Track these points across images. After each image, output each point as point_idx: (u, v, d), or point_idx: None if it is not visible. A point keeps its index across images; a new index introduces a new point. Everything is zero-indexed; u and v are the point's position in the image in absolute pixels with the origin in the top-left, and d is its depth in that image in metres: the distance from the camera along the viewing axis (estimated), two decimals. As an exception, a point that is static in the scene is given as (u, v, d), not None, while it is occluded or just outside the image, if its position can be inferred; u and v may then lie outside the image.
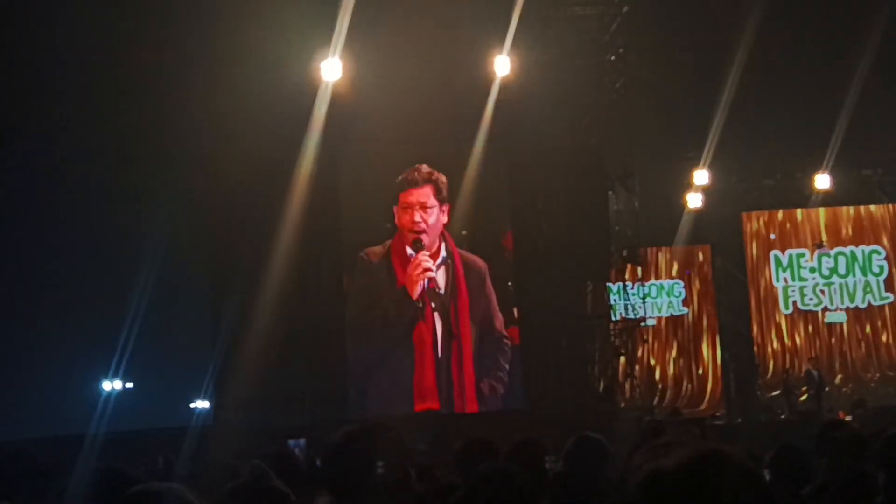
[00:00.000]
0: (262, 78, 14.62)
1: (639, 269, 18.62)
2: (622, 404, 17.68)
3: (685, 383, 21.37)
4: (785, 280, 21.52)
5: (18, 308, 17.66)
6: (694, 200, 20.21)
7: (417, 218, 14.78)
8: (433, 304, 14.88)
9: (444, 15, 14.77)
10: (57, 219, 16.99)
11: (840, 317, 21.41)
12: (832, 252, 21.56)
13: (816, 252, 21.48)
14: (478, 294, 15.26)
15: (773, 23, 17.18)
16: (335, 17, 14.64)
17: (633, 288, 18.36)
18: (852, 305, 21.43)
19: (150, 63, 14.89)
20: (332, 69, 15.07)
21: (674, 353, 21.56)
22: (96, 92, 15.23)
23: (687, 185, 19.93)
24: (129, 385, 21.86)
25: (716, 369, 21.35)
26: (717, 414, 20.19)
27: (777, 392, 20.57)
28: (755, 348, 21.20)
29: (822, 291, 21.49)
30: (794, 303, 21.44)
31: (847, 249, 21.60)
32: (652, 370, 21.19)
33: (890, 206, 21.64)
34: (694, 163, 19.42)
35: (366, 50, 15.00)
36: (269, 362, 14.36)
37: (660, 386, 21.30)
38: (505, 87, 15.61)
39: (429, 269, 14.65)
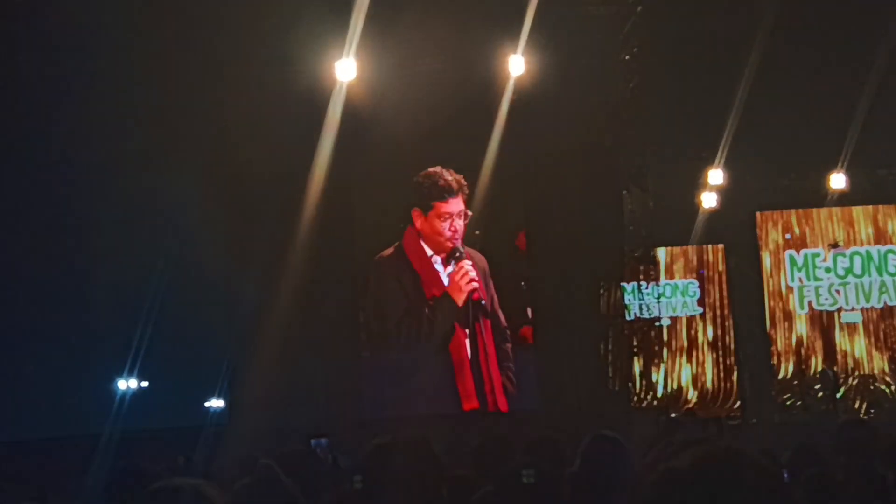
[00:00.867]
0: (275, 78, 14.66)
1: (653, 269, 18.60)
2: (637, 404, 17.64)
3: (700, 383, 21.34)
4: (800, 280, 21.45)
5: (33, 307, 17.75)
6: (708, 200, 20.17)
7: (455, 226, 14.81)
8: (473, 312, 15.02)
9: (457, 15, 14.77)
10: (72, 218, 17.07)
11: (856, 317, 21.32)
12: (848, 252, 21.48)
13: (832, 252, 21.40)
14: (488, 291, 15.32)
15: (788, 21, 17.12)
16: (349, 17, 14.66)
17: (647, 288, 18.34)
18: (868, 305, 21.35)
19: (159, 63, 14.93)
20: (346, 69, 15.10)
21: (688, 353, 21.53)
22: (110, 92, 15.28)
23: (701, 185, 19.89)
24: (145, 384, 21.94)
25: (730, 369, 21.31)
26: (732, 414, 20.15)
27: (792, 392, 20.52)
28: (770, 348, 21.14)
29: (838, 291, 21.41)
30: (810, 303, 21.37)
31: (863, 249, 21.52)
32: (666, 370, 21.17)
33: (906, 205, 21.57)
34: (708, 162, 19.38)
35: (380, 50, 15.02)
36: (284, 361, 14.41)
37: (674, 386, 21.28)
38: (519, 86, 15.61)
39: (474, 280, 14.76)
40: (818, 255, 21.53)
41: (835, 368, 20.24)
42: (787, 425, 17.76)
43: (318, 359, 15.16)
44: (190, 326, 18.15)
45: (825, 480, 4.47)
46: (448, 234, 14.73)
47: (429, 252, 14.98)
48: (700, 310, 21.64)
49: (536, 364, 15.78)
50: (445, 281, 14.94)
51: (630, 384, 17.17)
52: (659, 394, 20.76)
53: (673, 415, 18.76)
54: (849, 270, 21.48)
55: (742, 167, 19.70)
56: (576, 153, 15.91)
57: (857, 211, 21.55)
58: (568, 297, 16.06)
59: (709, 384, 21.31)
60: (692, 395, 21.18)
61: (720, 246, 21.63)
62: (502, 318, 15.42)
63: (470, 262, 14.77)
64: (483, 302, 14.78)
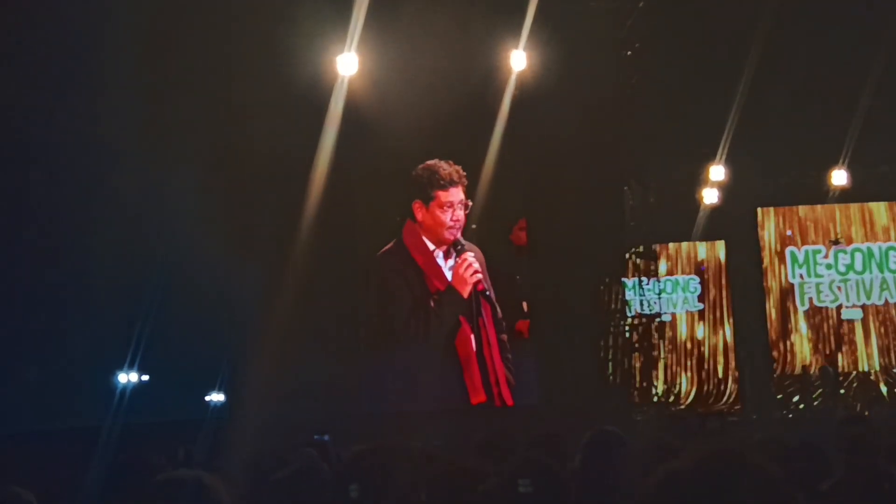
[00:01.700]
0: (276, 72, 14.65)
1: (654, 265, 18.62)
2: (637, 400, 17.65)
3: (700, 380, 21.35)
4: (801, 276, 21.46)
5: (33, 300, 17.75)
6: (710, 196, 20.17)
7: (457, 216, 14.80)
8: (477, 303, 15.01)
9: (459, 9, 14.76)
10: (71, 212, 17.05)
11: (856, 313, 21.33)
12: (849, 248, 21.49)
13: (833, 248, 21.41)
14: (487, 284, 15.36)
15: (790, 17, 17.11)
16: (350, 11, 14.66)
17: (648, 283, 18.36)
18: (868, 302, 21.36)
19: (159, 57, 14.91)
20: (348, 63, 15.10)
21: (688, 348, 21.54)
22: (108, 86, 15.26)
23: (703, 181, 19.89)
24: (145, 377, 21.95)
25: (731, 366, 21.32)
26: (732, 411, 20.18)
27: (793, 389, 20.54)
28: (770, 345, 21.15)
29: (839, 288, 21.42)
30: (810, 299, 21.38)
31: (864, 246, 21.52)
32: (667, 366, 21.18)
33: (907, 202, 21.57)
34: (710, 158, 19.38)
35: (382, 44, 15.02)
36: (285, 355, 14.42)
37: (675, 382, 21.30)
38: (521, 81, 15.61)
39: (478, 271, 14.76)
40: (819, 251, 21.54)
41: (835, 366, 20.25)
42: (788, 421, 17.77)
43: (319, 353, 15.17)
44: (191, 320, 18.14)
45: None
46: (450, 223, 14.71)
47: (430, 246, 14.98)
48: (701, 306, 21.65)
49: (536, 358, 15.80)
50: (448, 275, 14.94)
51: (630, 380, 17.17)
52: (659, 390, 20.78)
53: (674, 411, 18.80)
54: (850, 267, 21.49)
55: (743, 163, 19.69)
56: (577, 148, 15.89)
57: (859, 207, 21.55)
58: (568, 293, 16.07)
59: (709, 380, 21.33)
60: (692, 391, 21.19)
61: (721, 242, 21.63)
62: (499, 310, 15.44)
63: (472, 254, 14.80)
64: (488, 292, 14.80)
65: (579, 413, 11.53)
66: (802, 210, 21.54)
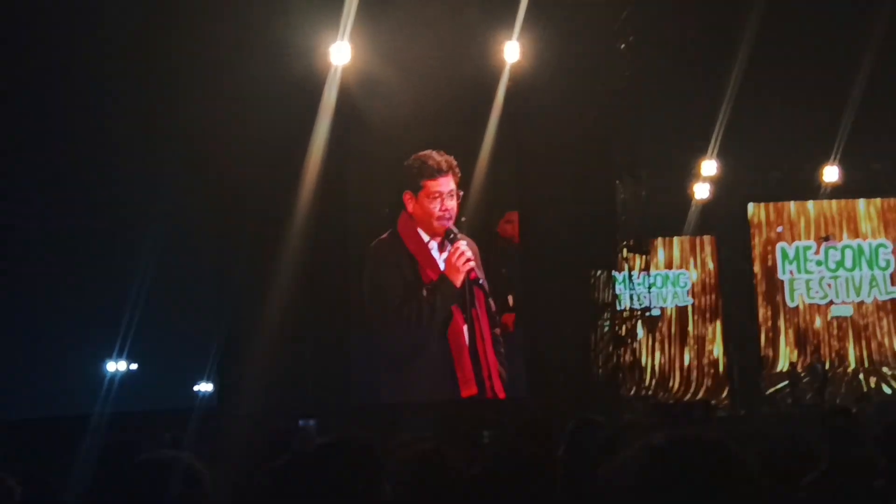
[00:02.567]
0: (270, 62, 14.60)
1: (645, 259, 18.64)
2: (626, 392, 17.67)
3: (689, 374, 21.39)
4: (791, 272, 21.50)
5: (23, 289, 17.71)
6: (701, 191, 20.19)
7: (447, 206, 14.80)
8: (470, 292, 15.02)
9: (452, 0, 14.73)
10: (61, 201, 17.01)
11: (846, 310, 21.39)
12: (839, 245, 21.53)
13: (823, 245, 21.45)
14: (481, 273, 15.34)
15: (782, 13, 17.12)
16: (343, 1, 14.64)
17: (638, 277, 18.37)
18: (858, 299, 21.41)
19: (155, 49, 14.88)
20: (341, 53, 15.07)
21: (678, 343, 21.57)
22: (102, 76, 15.21)
23: (694, 175, 19.90)
24: (134, 366, 21.93)
25: (720, 361, 21.36)
26: (721, 405, 20.21)
27: (782, 384, 20.58)
28: (760, 340, 21.18)
29: (829, 285, 21.46)
30: (800, 295, 21.42)
31: (854, 243, 21.57)
32: (656, 360, 21.21)
33: (898, 199, 21.62)
34: (702, 153, 19.39)
35: (375, 34, 14.99)
36: (274, 346, 14.39)
37: (664, 376, 21.33)
38: (515, 73, 15.59)
39: (471, 259, 14.75)
40: (810, 247, 21.57)
41: (824, 362, 20.30)
42: (775, 417, 17.79)
43: (310, 343, 15.15)
44: (179, 310, 18.14)
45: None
46: (438, 213, 14.71)
47: (425, 237, 14.97)
48: (691, 300, 21.68)
49: (525, 351, 15.80)
50: (441, 265, 14.94)
51: (619, 373, 17.19)
52: (648, 383, 20.81)
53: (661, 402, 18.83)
54: (840, 264, 21.54)
55: (735, 158, 19.70)
56: (570, 141, 15.87)
57: (850, 204, 21.59)
58: (560, 285, 16.07)
59: (698, 375, 21.36)
60: (681, 385, 21.23)
61: (712, 237, 21.63)
62: (492, 303, 15.43)
63: (465, 242, 14.78)
64: (481, 281, 14.78)
65: (567, 405, 11.52)
66: (794, 206, 21.58)
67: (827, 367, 20.14)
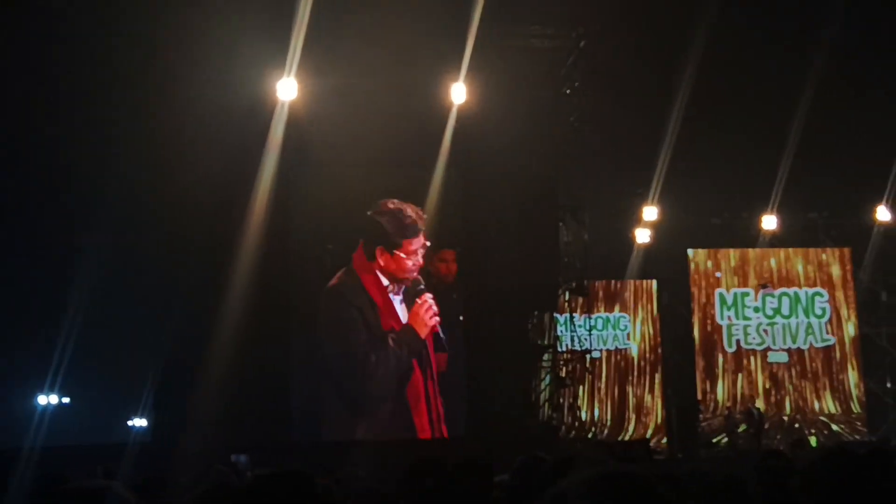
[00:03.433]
0: (216, 96, 14.50)
1: (586, 301, 18.77)
2: (565, 434, 17.70)
3: (627, 416, 21.49)
4: (729, 318, 21.79)
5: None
6: (642, 235, 20.46)
7: (420, 260, 14.73)
8: (434, 345, 15.03)
9: (399, 39, 14.77)
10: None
11: (782, 357, 21.71)
12: (776, 293, 21.90)
13: (761, 292, 21.80)
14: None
15: (723, 62, 17.52)
16: (289, 37, 14.65)
17: (579, 320, 18.48)
18: (794, 346, 21.76)
19: (101, 79, 14.71)
20: (287, 89, 15.08)
21: (617, 386, 21.69)
22: (44, 102, 14.96)
23: (636, 220, 20.16)
24: (66, 400, 21.47)
25: (658, 404, 21.51)
26: (660, 448, 20.32)
27: (718, 428, 20.79)
28: (698, 385, 21.39)
29: (766, 331, 21.79)
30: (738, 341, 21.71)
31: (791, 291, 21.96)
32: (595, 402, 21.29)
33: (834, 249, 22.08)
34: (644, 198, 19.66)
35: (322, 72, 15.02)
36: (212, 382, 14.18)
37: (603, 418, 21.40)
38: (462, 114, 15.70)
39: (437, 314, 14.72)
40: (748, 294, 21.90)
41: (760, 407, 20.55)
42: (712, 460, 17.93)
43: (247, 379, 14.93)
44: (114, 344, 17.82)
45: None
46: (413, 269, 14.65)
47: (385, 282, 14.81)
48: (630, 344, 21.85)
49: (465, 391, 15.75)
50: (403, 314, 14.84)
51: (557, 414, 17.22)
52: (587, 426, 20.86)
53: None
54: (777, 311, 21.89)
55: (676, 205, 20.02)
56: (516, 182, 15.97)
57: (787, 252, 22.00)
58: (501, 326, 16.10)
59: (636, 418, 21.47)
60: (619, 427, 21.32)
61: (652, 281, 21.87)
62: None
63: (431, 295, 14.72)
64: (442, 336, 14.75)
65: (505, 444, 11.50)
66: (733, 253, 21.93)
67: (763, 411, 20.39)
